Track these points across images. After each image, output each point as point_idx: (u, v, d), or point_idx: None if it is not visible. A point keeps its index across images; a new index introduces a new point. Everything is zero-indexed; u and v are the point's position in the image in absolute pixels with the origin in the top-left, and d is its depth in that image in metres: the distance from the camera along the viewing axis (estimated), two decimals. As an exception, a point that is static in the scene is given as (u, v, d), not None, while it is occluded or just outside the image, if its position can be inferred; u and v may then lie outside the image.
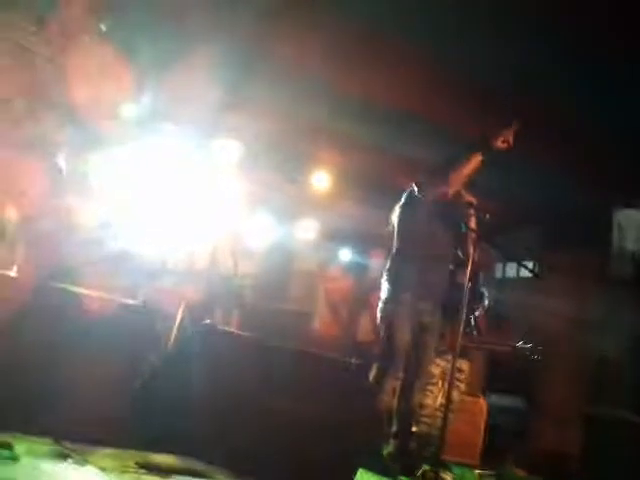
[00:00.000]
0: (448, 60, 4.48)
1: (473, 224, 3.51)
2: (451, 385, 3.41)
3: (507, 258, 4.66)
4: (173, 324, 5.77)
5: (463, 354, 4.08)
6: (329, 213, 6.47)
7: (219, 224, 6.67)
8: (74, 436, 1.93)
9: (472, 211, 3.46)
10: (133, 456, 1.85)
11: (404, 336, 3.45)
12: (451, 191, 3.47)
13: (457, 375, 4.16)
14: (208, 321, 3.79)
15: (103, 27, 4.35)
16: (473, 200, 3.48)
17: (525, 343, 4.62)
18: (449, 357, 3.93)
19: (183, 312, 6.20)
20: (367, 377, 3.39)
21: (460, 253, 3.65)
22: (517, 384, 5.01)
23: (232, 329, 5.17)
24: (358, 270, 6.92)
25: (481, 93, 4.85)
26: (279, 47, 4.65)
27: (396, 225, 3.70)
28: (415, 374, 3.54)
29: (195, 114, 5.64)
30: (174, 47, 4.79)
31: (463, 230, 3.55)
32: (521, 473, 4.11)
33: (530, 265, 7.09)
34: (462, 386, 4.29)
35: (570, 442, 5.36)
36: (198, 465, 1.55)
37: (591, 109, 4.80)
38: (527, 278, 7.53)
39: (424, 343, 3.54)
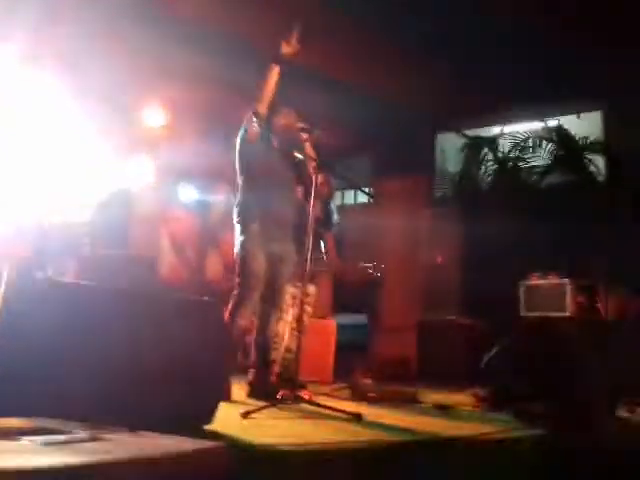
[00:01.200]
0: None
1: (309, 149, 3.61)
2: (302, 309, 3.55)
3: (347, 184, 4.86)
4: None
5: (310, 278, 4.22)
6: (168, 150, 6.18)
7: (46, 168, 6.08)
8: None
9: (305, 136, 3.54)
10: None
11: (258, 267, 3.51)
12: (261, 109, 3.52)
13: (306, 299, 4.34)
14: (40, 275, 3.51)
15: None
16: (304, 125, 3.54)
17: (366, 263, 4.95)
18: (298, 283, 4.09)
19: (9, 269, 5.71)
20: (219, 314, 3.39)
21: (301, 179, 3.76)
22: (361, 302, 5.36)
23: (66, 280, 4.86)
24: (203, 208, 6.80)
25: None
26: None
27: (237, 158, 3.70)
28: (271, 304, 3.64)
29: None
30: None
31: (300, 157, 3.65)
32: (368, 381, 4.44)
33: (367, 191, 7.51)
34: (309, 309, 4.47)
35: (407, 348, 5.94)
36: (50, 422, 1.46)
37: (410, 28, 5.03)
38: (364, 204, 7.97)
39: (278, 272, 3.63)
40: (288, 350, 4.33)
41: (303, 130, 3.54)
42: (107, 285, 2.73)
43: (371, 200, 7.60)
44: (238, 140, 3.69)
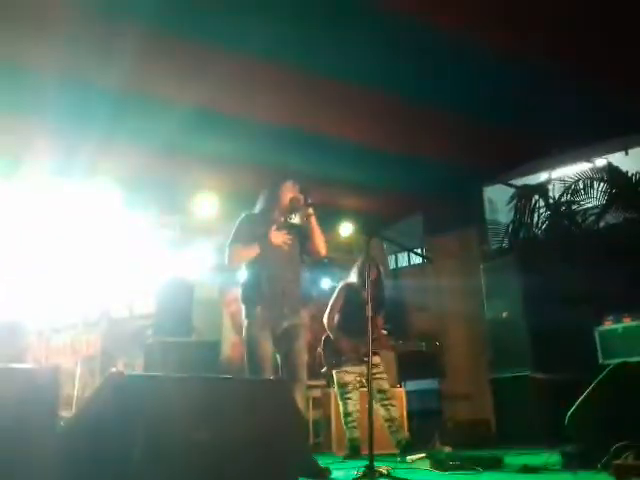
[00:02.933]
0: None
1: (314, 222, 3.62)
2: (376, 380, 3.52)
3: (400, 247, 4.88)
4: (73, 383, 5.47)
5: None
6: (221, 236, 6.40)
7: (107, 269, 6.38)
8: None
9: (311, 210, 3.58)
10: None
11: (263, 352, 3.44)
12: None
13: (376, 370, 4.41)
14: (114, 369, 3.61)
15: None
16: (309, 199, 3.58)
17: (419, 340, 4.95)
18: (363, 359, 4.31)
19: (82, 367, 5.92)
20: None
21: (305, 249, 3.71)
22: (426, 368, 5.23)
23: (139, 372, 4.96)
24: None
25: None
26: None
27: (234, 236, 3.69)
28: (293, 379, 3.46)
29: (65, 159, 5.35)
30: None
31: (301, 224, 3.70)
32: (447, 449, 4.28)
33: (419, 252, 7.48)
34: (385, 376, 4.50)
35: (482, 409, 5.70)
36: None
37: (449, 92, 5.12)
38: (418, 265, 7.92)
39: (291, 348, 3.53)
40: (389, 420, 4.34)
41: (308, 204, 3.57)
42: (177, 374, 2.78)
43: (425, 260, 7.55)
44: (238, 221, 3.70)
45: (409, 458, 4.17)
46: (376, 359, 4.52)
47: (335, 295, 4.79)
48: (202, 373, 4.06)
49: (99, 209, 5.89)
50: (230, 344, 6.73)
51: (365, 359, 4.11)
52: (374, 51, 4.49)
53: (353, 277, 4.82)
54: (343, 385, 4.59)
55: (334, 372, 4.69)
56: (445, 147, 6.10)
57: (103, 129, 4.85)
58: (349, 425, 4.54)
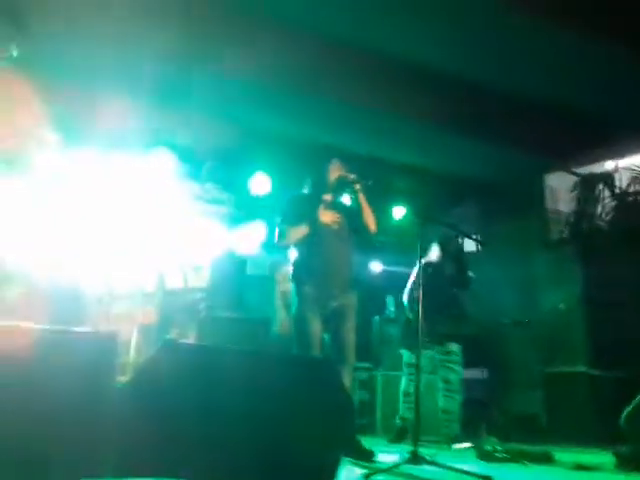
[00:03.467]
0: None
1: (362, 199, 3.62)
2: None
3: (457, 233, 4.78)
4: (128, 350, 5.67)
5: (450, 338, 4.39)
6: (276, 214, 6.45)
7: (163, 240, 6.54)
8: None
9: (358, 186, 3.59)
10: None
11: (311, 330, 3.45)
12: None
13: (448, 358, 4.40)
14: (167, 337, 3.72)
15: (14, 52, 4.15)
16: (354, 176, 3.59)
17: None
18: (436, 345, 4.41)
19: (138, 336, 6.12)
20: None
21: (355, 228, 3.70)
22: (479, 356, 5.14)
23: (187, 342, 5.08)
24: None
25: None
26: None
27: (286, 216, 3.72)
28: (340, 360, 3.46)
29: (125, 129, 5.48)
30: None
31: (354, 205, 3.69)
32: (494, 441, 4.22)
33: (476, 238, 7.31)
34: (457, 368, 4.47)
35: (534, 403, 5.57)
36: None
37: (508, 74, 4.96)
38: (473, 252, 7.75)
39: (339, 328, 3.53)
40: (445, 412, 4.34)
41: (354, 181, 3.57)
42: (229, 347, 2.82)
43: (480, 248, 7.37)
44: (287, 201, 3.76)
45: (455, 447, 4.14)
46: (453, 346, 4.50)
47: (414, 274, 4.72)
48: (252, 348, 4.12)
49: (157, 180, 6.02)
50: (281, 321, 6.82)
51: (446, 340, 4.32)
52: (448, 34, 4.39)
53: (432, 255, 4.78)
54: (412, 365, 4.53)
55: (406, 351, 4.68)
56: (506, 132, 5.92)
57: (165, 100, 4.93)
58: (405, 404, 4.52)
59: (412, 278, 4.71)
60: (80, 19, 4.20)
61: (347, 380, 3.44)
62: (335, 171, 3.68)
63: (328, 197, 3.71)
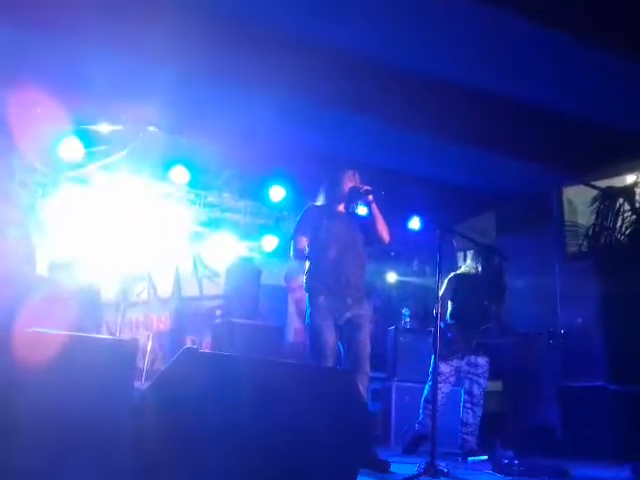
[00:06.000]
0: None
1: (375, 209, 3.64)
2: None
3: (475, 245, 4.76)
4: (143, 356, 5.70)
5: (479, 350, 4.46)
6: (290, 223, 6.47)
7: (179, 248, 6.59)
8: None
9: (371, 197, 3.58)
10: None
11: (326, 340, 3.44)
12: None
13: (474, 370, 4.39)
14: (187, 345, 3.74)
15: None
16: (368, 187, 3.59)
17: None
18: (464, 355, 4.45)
19: (153, 342, 6.17)
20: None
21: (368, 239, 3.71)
22: (497, 368, 5.09)
23: (206, 351, 5.11)
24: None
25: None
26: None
27: (300, 226, 3.74)
28: (355, 370, 3.43)
29: (142, 142, 5.55)
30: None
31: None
32: (510, 453, 4.17)
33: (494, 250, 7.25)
34: (482, 381, 4.45)
35: (550, 416, 5.50)
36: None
37: (529, 88, 4.95)
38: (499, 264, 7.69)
39: (353, 338, 3.52)
40: (464, 424, 4.33)
41: (368, 192, 3.57)
42: (243, 355, 2.83)
43: (500, 259, 7.32)
44: (301, 213, 3.77)
45: (471, 459, 4.10)
46: (480, 360, 4.49)
47: (444, 286, 4.67)
48: (267, 356, 4.14)
49: (172, 190, 6.09)
50: (294, 330, 6.83)
51: (474, 353, 4.39)
52: (451, 44, 4.39)
53: (465, 267, 4.81)
54: (438, 373, 4.50)
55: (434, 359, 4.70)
56: (525, 144, 5.90)
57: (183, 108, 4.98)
58: (425, 411, 4.49)
59: (444, 288, 4.68)
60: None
61: (363, 390, 3.39)
62: (348, 182, 3.70)
63: (341, 208, 3.74)
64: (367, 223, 3.69)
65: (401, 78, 4.77)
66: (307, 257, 3.68)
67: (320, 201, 3.84)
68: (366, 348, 3.53)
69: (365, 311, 3.62)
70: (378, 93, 5.02)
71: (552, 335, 4.60)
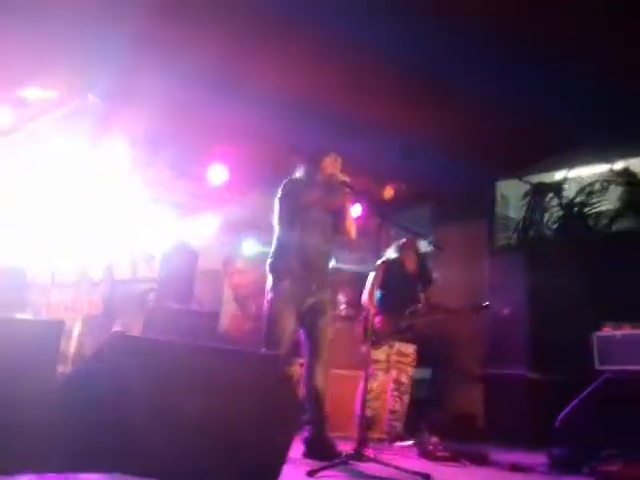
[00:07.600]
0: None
1: (348, 202, 3.60)
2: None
3: (413, 235, 4.89)
4: (69, 339, 5.51)
5: (407, 338, 4.54)
6: (230, 206, 6.37)
7: (113, 228, 6.38)
8: None
9: (348, 191, 3.46)
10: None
11: (284, 326, 3.37)
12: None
13: (403, 359, 4.46)
14: (115, 330, 3.64)
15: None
16: (348, 180, 3.44)
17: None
18: (394, 343, 4.49)
19: (81, 325, 5.96)
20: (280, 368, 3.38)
21: (338, 228, 3.64)
22: (422, 356, 5.22)
23: (137, 335, 5.00)
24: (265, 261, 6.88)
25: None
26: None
27: (278, 207, 3.60)
28: (314, 355, 3.44)
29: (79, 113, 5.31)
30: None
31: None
32: (435, 439, 4.30)
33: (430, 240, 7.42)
34: (410, 369, 4.52)
35: (473, 403, 5.72)
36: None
37: (464, 82, 5.05)
38: (427, 253, 7.87)
39: (315, 324, 3.47)
40: (392, 412, 4.39)
41: (346, 185, 3.42)
42: (174, 339, 2.79)
43: (436, 249, 7.50)
44: (281, 189, 3.58)
45: (398, 445, 4.21)
46: (409, 349, 4.58)
47: (374, 273, 4.67)
48: (200, 342, 4.08)
49: (110, 167, 5.86)
50: (230, 316, 6.76)
51: (404, 336, 4.48)
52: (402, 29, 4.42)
53: (392, 254, 4.84)
54: (374, 362, 4.50)
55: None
56: (462, 139, 6.03)
57: (122, 86, 4.81)
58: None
59: (372, 276, 4.73)
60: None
61: (323, 376, 3.39)
62: (329, 166, 3.55)
63: (317, 191, 3.54)
64: (339, 212, 3.61)
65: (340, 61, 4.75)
66: (275, 237, 3.57)
67: (299, 176, 3.67)
68: (327, 334, 3.47)
69: (328, 296, 3.57)
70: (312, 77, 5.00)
71: (475, 307, 4.73)
